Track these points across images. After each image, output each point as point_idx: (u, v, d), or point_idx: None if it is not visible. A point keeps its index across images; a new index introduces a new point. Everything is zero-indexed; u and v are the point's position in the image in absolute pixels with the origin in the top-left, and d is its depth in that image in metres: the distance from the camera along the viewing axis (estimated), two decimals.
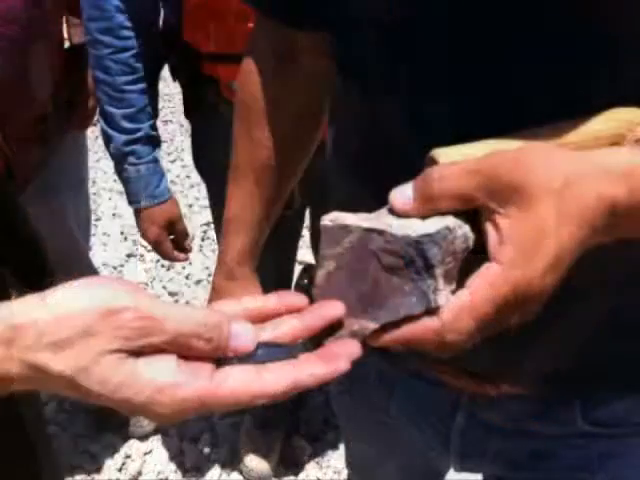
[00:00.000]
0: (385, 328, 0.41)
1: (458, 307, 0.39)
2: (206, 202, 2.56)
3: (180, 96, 1.34)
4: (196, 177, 2.66)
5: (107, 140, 1.22)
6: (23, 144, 1.15)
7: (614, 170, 0.40)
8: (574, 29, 0.47)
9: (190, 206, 2.67)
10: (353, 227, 0.41)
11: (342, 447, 1.74)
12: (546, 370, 0.65)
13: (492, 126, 0.46)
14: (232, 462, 1.73)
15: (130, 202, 1.27)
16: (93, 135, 2.70)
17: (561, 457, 0.72)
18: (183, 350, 0.38)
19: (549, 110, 0.46)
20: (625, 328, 0.62)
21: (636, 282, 0.58)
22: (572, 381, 0.66)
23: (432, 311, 0.40)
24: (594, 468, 0.72)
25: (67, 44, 1.36)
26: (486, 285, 0.39)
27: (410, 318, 0.41)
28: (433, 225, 0.40)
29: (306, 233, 1.81)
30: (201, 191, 2.66)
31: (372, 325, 0.41)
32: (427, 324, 0.40)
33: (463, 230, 0.41)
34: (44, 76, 1.18)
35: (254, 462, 1.67)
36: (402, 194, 0.42)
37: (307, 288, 0.84)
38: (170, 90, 2.88)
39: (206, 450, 1.76)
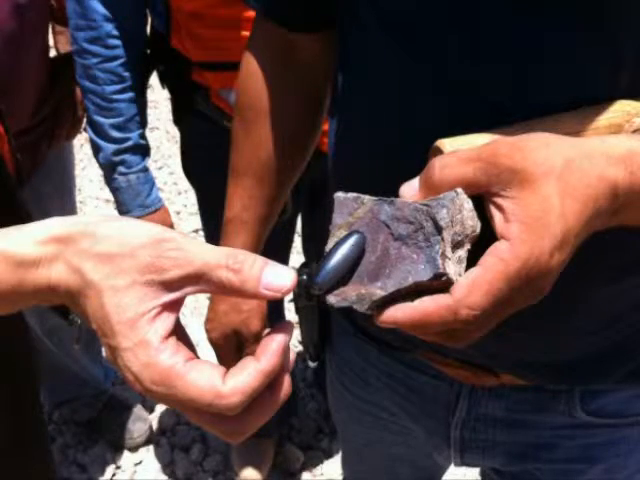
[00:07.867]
0: (395, 302, 0.41)
1: (471, 282, 0.39)
2: (194, 209, 2.55)
3: (166, 103, 1.33)
4: (183, 184, 2.66)
5: (96, 150, 1.21)
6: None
7: (613, 154, 0.41)
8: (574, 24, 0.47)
9: (178, 213, 2.66)
10: (365, 199, 0.43)
11: (335, 455, 1.74)
12: (546, 361, 0.65)
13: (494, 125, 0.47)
14: (224, 471, 1.72)
15: (120, 212, 1.25)
16: (79, 143, 2.68)
17: (561, 448, 0.73)
18: (211, 285, 0.37)
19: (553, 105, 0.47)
20: (623, 319, 0.62)
21: (633, 272, 0.59)
22: (572, 372, 0.66)
23: (439, 276, 0.40)
24: (593, 458, 0.73)
25: (53, 52, 1.34)
26: (497, 260, 0.39)
27: (419, 289, 0.40)
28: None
29: (296, 239, 1.80)
30: (189, 198, 2.65)
31: (380, 292, 0.41)
32: (440, 300, 0.40)
33: (470, 205, 0.41)
34: (29, 88, 1.17)
35: (246, 471, 1.66)
36: (410, 185, 0.44)
37: (306, 283, 0.84)
38: (156, 97, 2.87)
39: (197, 460, 1.74)
